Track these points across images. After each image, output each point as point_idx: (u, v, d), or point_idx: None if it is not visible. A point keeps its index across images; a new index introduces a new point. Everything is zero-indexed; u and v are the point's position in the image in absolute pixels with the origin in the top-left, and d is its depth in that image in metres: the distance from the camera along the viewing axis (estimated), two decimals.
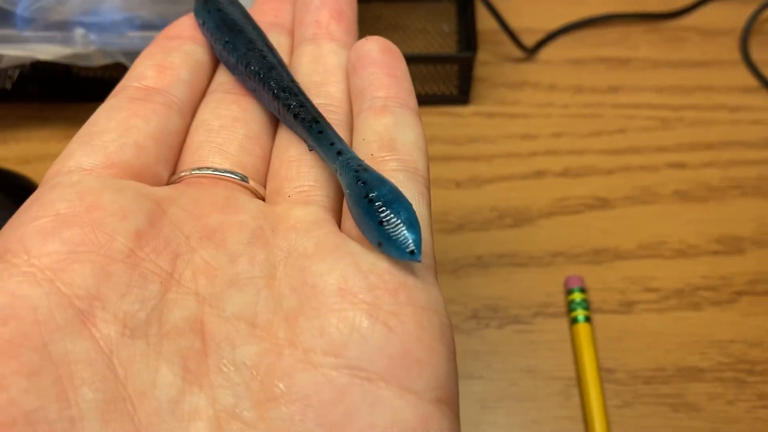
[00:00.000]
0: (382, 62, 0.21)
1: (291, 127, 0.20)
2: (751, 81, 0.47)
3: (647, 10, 0.50)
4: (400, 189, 0.17)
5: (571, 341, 0.37)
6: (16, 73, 0.44)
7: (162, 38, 0.23)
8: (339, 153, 0.18)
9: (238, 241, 0.17)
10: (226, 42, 0.22)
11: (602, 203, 0.42)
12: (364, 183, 0.17)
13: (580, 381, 0.35)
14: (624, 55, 0.48)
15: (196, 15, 0.23)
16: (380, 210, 0.16)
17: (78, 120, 0.44)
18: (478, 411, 0.35)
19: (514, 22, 0.47)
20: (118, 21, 0.38)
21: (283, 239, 0.18)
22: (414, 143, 0.19)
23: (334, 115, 0.21)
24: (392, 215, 0.16)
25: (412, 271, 0.17)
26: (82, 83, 0.45)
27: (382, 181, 0.17)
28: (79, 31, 0.38)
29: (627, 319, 0.37)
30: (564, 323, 0.37)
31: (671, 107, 0.46)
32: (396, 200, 0.16)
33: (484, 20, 0.47)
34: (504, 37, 0.47)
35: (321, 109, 0.20)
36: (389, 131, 0.19)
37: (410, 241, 0.16)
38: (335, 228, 0.18)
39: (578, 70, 0.48)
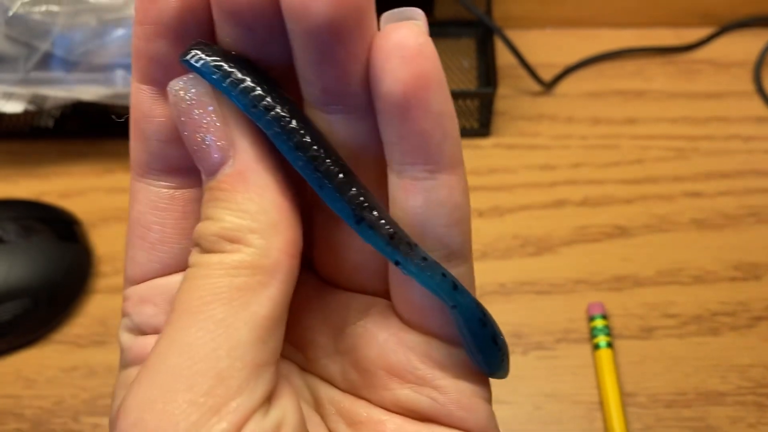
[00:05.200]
0: (405, 113, 0.16)
1: (363, 235, 0.17)
2: (764, 111, 0.48)
3: (662, 44, 0.52)
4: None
5: (593, 366, 0.38)
6: (58, 111, 0.46)
7: None
8: (455, 287, 0.18)
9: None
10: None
11: (621, 232, 0.43)
12: (492, 326, 0.19)
13: (603, 405, 0.36)
14: (640, 88, 0.50)
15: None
16: (498, 347, 0.19)
17: (115, 155, 0.46)
18: None
19: (532, 57, 0.49)
20: None
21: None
22: (447, 223, 0.17)
23: None
24: (507, 353, 0.19)
25: (447, 353, 0.19)
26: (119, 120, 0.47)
27: (497, 326, 0.19)
28: (119, 73, 0.40)
29: (648, 345, 0.39)
30: (587, 348, 0.38)
31: (687, 138, 0.47)
32: (505, 340, 0.19)
33: (503, 55, 0.49)
34: (522, 72, 0.49)
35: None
36: (419, 217, 0.17)
37: (508, 371, 0.19)
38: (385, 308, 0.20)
39: (595, 102, 0.49)
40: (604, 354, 0.37)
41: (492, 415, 0.19)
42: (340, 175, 0.17)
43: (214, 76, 0.16)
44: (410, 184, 0.17)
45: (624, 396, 0.37)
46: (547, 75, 0.49)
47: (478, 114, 0.47)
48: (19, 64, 0.40)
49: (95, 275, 0.42)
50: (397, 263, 0.17)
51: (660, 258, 0.42)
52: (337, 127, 0.17)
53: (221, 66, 0.16)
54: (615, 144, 0.47)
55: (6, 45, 0.40)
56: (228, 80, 0.16)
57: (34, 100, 0.41)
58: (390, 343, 0.19)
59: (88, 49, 0.40)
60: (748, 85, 0.50)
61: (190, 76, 0.16)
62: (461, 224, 0.18)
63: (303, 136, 0.16)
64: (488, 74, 0.47)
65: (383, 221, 0.17)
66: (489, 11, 0.50)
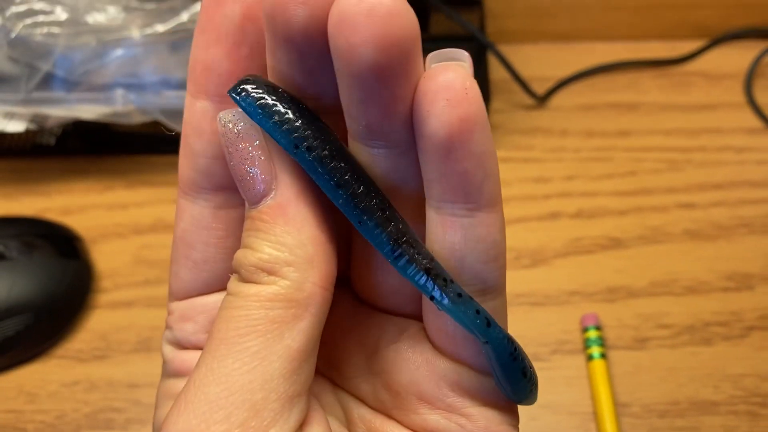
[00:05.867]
0: (447, 154, 0.16)
1: (400, 269, 0.17)
2: (755, 122, 0.49)
3: (654, 57, 0.52)
4: None
5: (587, 377, 0.38)
6: (60, 129, 0.47)
7: None
8: (488, 324, 0.18)
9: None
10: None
11: (615, 243, 0.43)
12: (522, 359, 0.19)
13: (597, 415, 0.37)
14: (633, 100, 0.51)
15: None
16: (528, 379, 0.19)
17: (116, 172, 0.47)
18: None
19: (525, 71, 0.49)
20: (155, 82, 0.41)
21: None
22: (484, 260, 0.18)
23: None
24: (536, 382, 0.20)
25: (478, 381, 0.19)
26: (119, 138, 0.48)
27: (527, 358, 0.19)
28: (119, 92, 0.41)
29: (641, 355, 0.39)
30: (581, 360, 0.39)
31: (679, 149, 0.48)
32: (534, 370, 0.20)
33: (497, 70, 0.49)
34: (516, 86, 0.49)
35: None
36: (456, 253, 0.18)
37: (536, 398, 0.20)
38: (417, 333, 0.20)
39: (589, 115, 0.50)
40: (598, 365, 0.38)
41: None
42: (379, 213, 0.17)
43: (258, 116, 0.17)
44: (449, 221, 0.17)
45: (618, 406, 0.37)
46: (540, 89, 0.50)
47: None
48: (20, 84, 0.40)
49: (96, 291, 0.42)
50: (432, 298, 0.17)
51: (653, 269, 0.42)
52: (378, 160, 0.18)
53: (266, 105, 0.17)
54: (608, 156, 0.48)
55: (8, 65, 0.41)
56: (271, 120, 0.17)
57: (36, 119, 0.42)
58: (422, 370, 0.19)
59: (88, 69, 0.40)
60: (740, 97, 0.50)
61: (240, 109, 0.17)
62: (498, 260, 0.18)
63: (343, 174, 0.17)
64: (482, 89, 0.47)
65: (420, 256, 0.17)
66: (482, 26, 0.50)
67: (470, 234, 0.17)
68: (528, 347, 0.39)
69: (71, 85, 0.41)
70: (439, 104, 0.16)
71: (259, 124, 0.17)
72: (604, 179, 0.46)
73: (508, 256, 0.43)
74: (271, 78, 0.18)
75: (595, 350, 0.38)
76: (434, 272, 0.17)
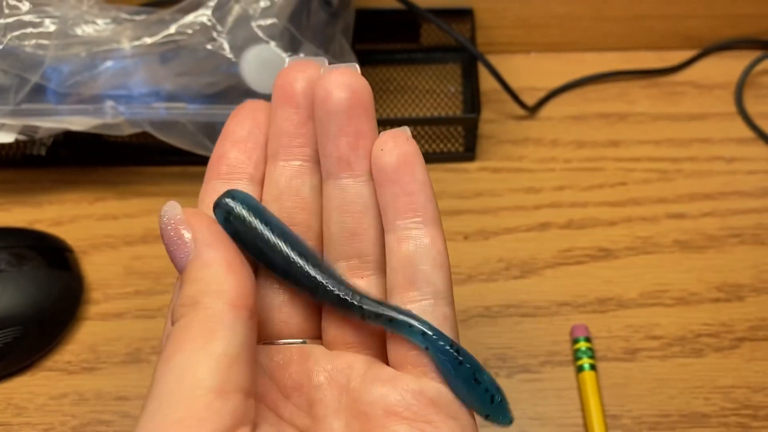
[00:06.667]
0: (397, 179, 0.23)
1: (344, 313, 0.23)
2: (746, 132, 0.49)
3: (645, 67, 0.52)
4: (425, 318, 0.22)
5: (577, 389, 0.38)
6: (50, 140, 0.47)
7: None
8: (423, 333, 0.22)
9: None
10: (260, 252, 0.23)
11: (605, 254, 0.43)
12: (469, 365, 0.22)
13: (587, 428, 0.37)
14: (623, 110, 0.51)
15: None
16: (487, 392, 0.22)
17: (107, 183, 0.47)
18: None
19: (516, 82, 0.49)
20: (145, 93, 0.41)
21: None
22: (432, 265, 0.23)
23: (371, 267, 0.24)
24: (499, 396, 0.22)
25: (437, 390, 0.22)
26: (111, 148, 0.48)
27: (478, 366, 0.22)
28: (109, 104, 0.41)
29: (631, 367, 0.39)
30: (570, 371, 0.39)
31: (670, 159, 0.48)
32: (493, 382, 0.22)
33: (488, 80, 0.49)
34: (506, 96, 0.49)
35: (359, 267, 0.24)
36: (410, 260, 0.23)
37: (509, 416, 0.22)
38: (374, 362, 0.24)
39: (579, 125, 0.50)
40: (588, 376, 0.38)
41: None
42: (318, 277, 0.23)
43: (229, 219, 0.23)
44: (403, 236, 0.23)
45: (608, 418, 0.37)
46: (531, 99, 0.50)
47: (463, 138, 0.47)
48: (9, 96, 0.40)
49: (86, 302, 0.42)
50: (363, 317, 0.22)
51: (643, 280, 0.42)
52: (347, 190, 0.23)
53: (235, 212, 0.23)
54: (599, 167, 0.48)
55: None
56: (238, 220, 0.23)
57: (25, 130, 0.41)
58: (387, 386, 0.22)
59: (77, 80, 0.40)
60: (730, 107, 0.50)
61: (171, 202, 0.22)
62: (443, 269, 0.23)
63: (282, 250, 0.23)
64: (473, 100, 0.48)
65: (355, 293, 0.23)
66: (473, 37, 0.51)
67: (419, 242, 0.23)
68: (517, 358, 0.39)
69: (61, 96, 0.41)
70: (389, 144, 0.23)
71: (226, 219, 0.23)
72: (594, 189, 0.46)
73: (498, 266, 0.43)
74: (271, 135, 0.24)
75: (585, 362, 0.38)
76: (367, 301, 0.22)
